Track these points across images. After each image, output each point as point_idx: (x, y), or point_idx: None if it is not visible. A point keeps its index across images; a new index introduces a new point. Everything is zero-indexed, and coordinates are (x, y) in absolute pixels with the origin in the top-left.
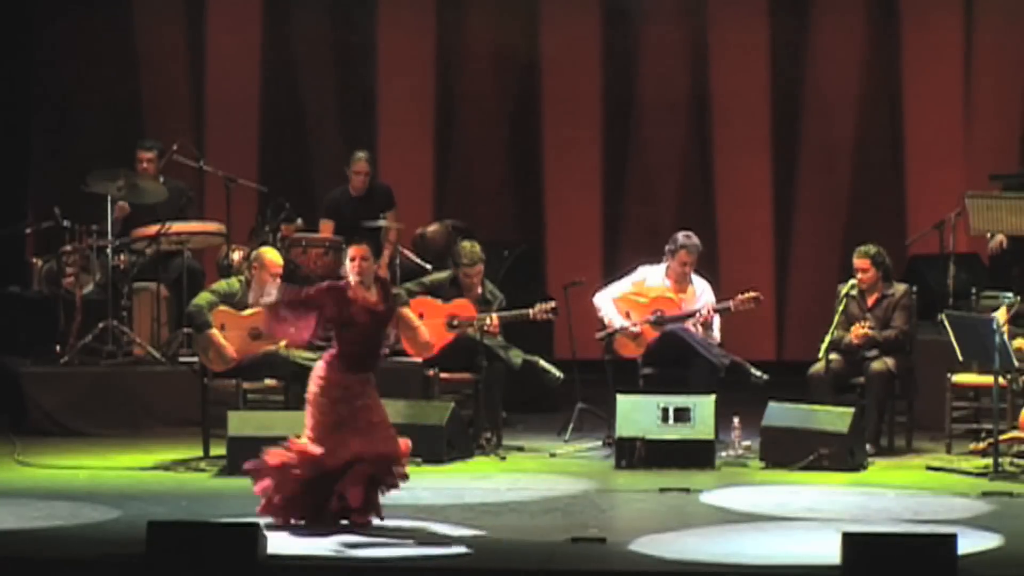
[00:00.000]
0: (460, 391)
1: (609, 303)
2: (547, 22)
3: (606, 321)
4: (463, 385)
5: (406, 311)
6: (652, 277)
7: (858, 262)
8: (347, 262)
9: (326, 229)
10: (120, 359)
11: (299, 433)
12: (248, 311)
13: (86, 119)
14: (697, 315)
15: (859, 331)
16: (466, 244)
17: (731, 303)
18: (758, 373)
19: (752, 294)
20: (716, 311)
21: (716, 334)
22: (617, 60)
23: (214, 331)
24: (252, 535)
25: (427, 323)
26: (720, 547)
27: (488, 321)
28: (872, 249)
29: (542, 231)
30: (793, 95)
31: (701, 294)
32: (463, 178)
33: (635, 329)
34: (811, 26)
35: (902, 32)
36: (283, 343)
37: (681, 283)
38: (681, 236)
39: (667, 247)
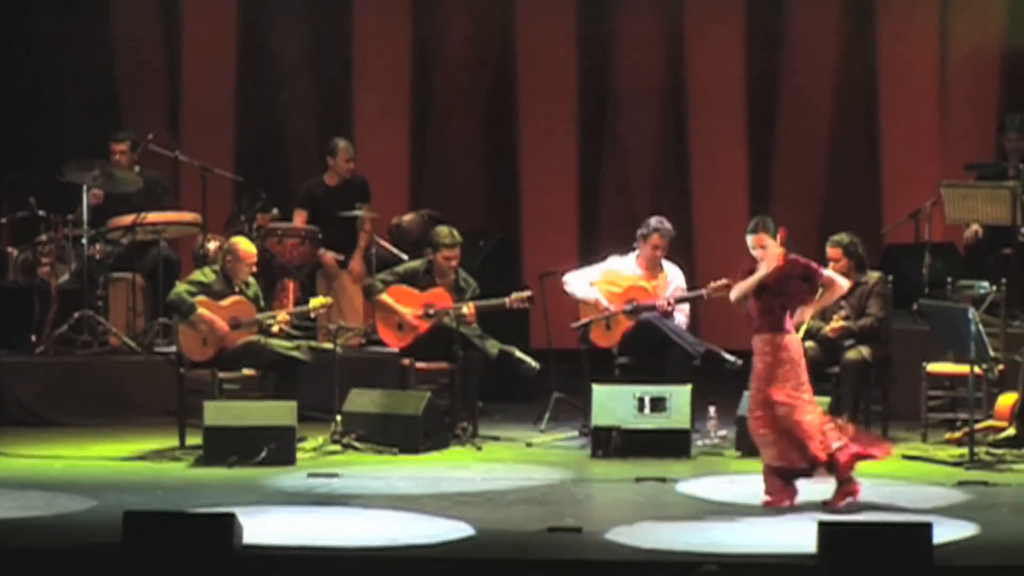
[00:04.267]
0: (436, 381)
1: (583, 284)
2: (523, 12)
3: (579, 297)
4: (439, 375)
5: (384, 298)
6: (622, 267)
7: (830, 251)
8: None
9: (300, 218)
10: (96, 349)
11: (282, 423)
12: (226, 300)
13: (62, 109)
14: (663, 305)
15: (835, 324)
16: (443, 227)
17: (703, 291)
18: (732, 358)
19: (724, 281)
20: (688, 299)
21: (682, 321)
22: (593, 50)
23: (201, 310)
24: (228, 525)
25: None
26: (696, 537)
27: (464, 310)
28: (845, 238)
29: (518, 221)
30: (769, 85)
31: (672, 280)
32: (439, 168)
33: (610, 307)
34: (787, 16)
35: (878, 22)
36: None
37: (652, 270)
38: (654, 221)
39: (639, 232)
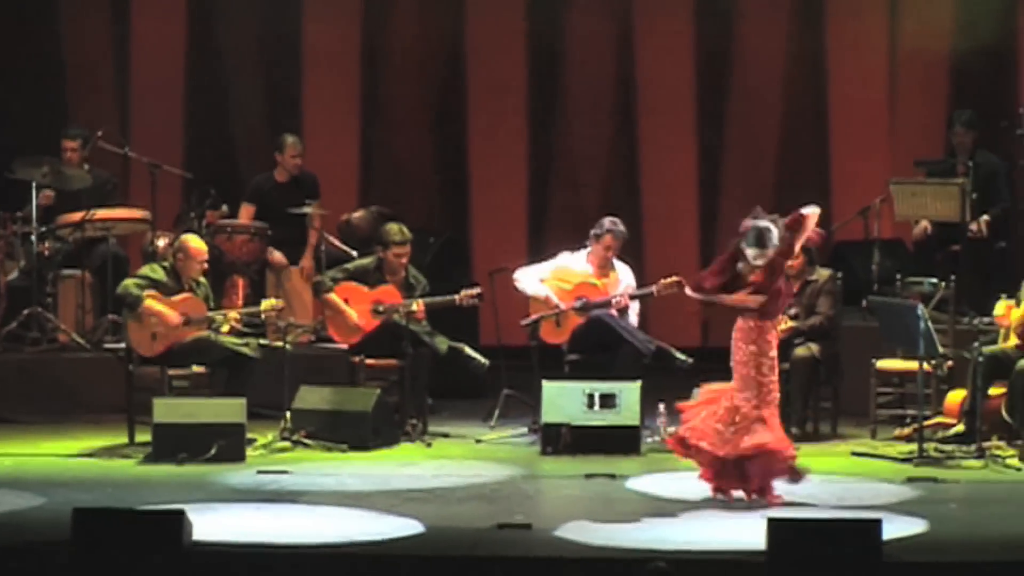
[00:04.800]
0: (386, 377)
1: (534, 280)
2: (472, 10)
3: (529, 293)
4: (388, 371)
5: (332, 296)
6: (573, 264)
7: None
8: None
9: (246, 213)
10: (45, 346)
11: (232, 420)
12: (177, 297)
13: (9, 107)
14: (614, 301)
15: (783, 326)
16: (393, 225)
17: (653, 288)
18: (683, 357)
19: (674, 279)
20: (638, 296)
21: (634, 320)
22: (542, 48)
23: (149, 302)
24: (178, 522)
25: (352, 309)
26: (646, 533)
27: (414, 307)
28: None
29: (467, 218)
30: (718, 83)
31: (623, 279)
32: (388, 165)
33: (560, 304)
34: (736, 15)
35: (827, 19)
36: (226, 329)
37: (603, 268)
38: (607, 221)
39: (593, 231)
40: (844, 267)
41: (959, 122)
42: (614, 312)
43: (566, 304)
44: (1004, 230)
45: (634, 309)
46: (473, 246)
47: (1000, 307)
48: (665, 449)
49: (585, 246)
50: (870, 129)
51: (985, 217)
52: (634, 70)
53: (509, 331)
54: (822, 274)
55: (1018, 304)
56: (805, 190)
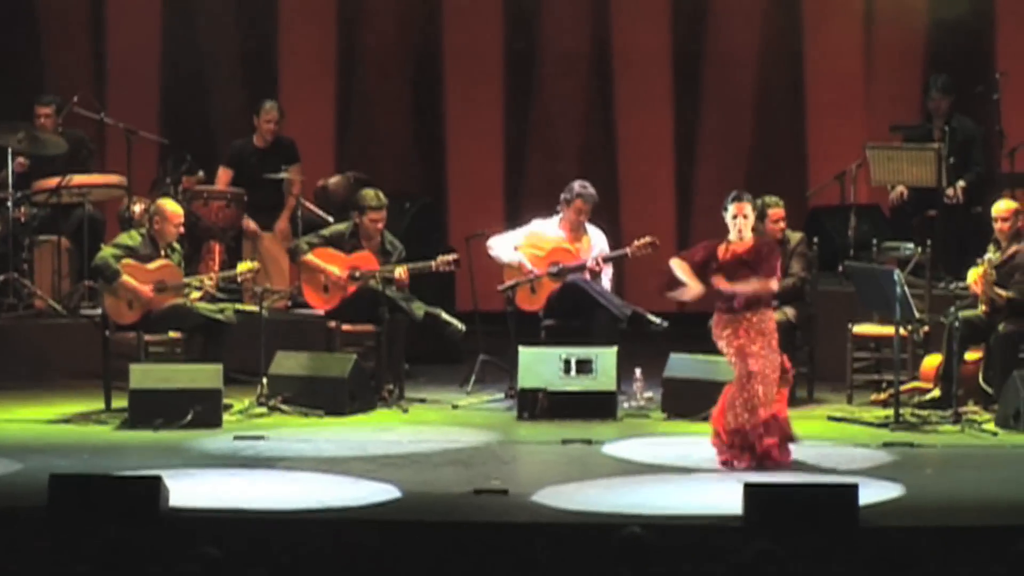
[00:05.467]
0: (362, 343)
1: (507, 248)
2: None
3: (503, 261)
4: (365, 337)
5: (309, 257)
6: (546, 230)
7: (777, 212)
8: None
9: (224, 176)
10: (21, 312)
11: (208, 386)
12: (153, 264)
13: None
14: (588, 264)
15: None
16: (369, 190)
17: (627, 249)
18: (657, 320)
19: (648, 239)
20: (612, 258)
21: (607, 284)
22: (518, 13)
23: (125, 277)
24: (154, 487)
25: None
26: (622, 498)
27: (397, 273)
28: (780, 200)
29: (444, 183)
30: (694, 48)
31: (596, 243)
32: (365, 130)
33: (534, 270)
34: None
35: None
36: (195, 296)
37: (576, 232)
38: (577, 185)
39: (563, 196)
40: (820, 232)
41: (935, 87)
42: (588, 276)
43: (540, 270)
44: (979, 195)
45: (607, 273)
46: (449, 212)
47: (972, 274)
48: (641, 414)
49: (557, 212)
50: (846, 94)
51: (961, 183)
52: (610, 37)
53: (485, 297)
54: (793, 236)
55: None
56: (781, 155)
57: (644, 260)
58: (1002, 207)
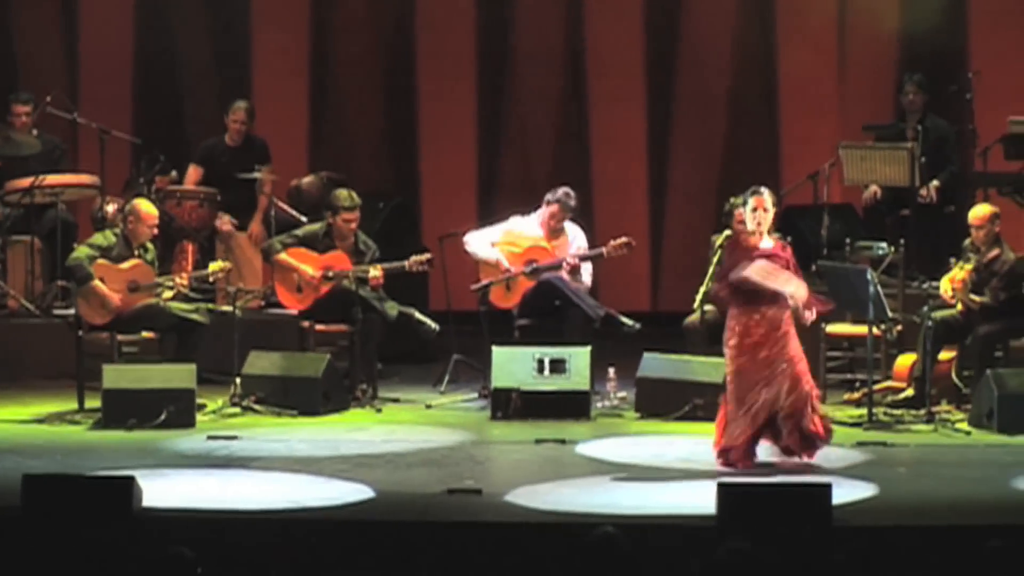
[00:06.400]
0: (335, 343)
1: (484, 244)
2: None
3: (479, 257)
4: (338, 337)
5: (283, 256)
6: (524, 227)
7: (743, 212)
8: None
9: (193, 174)
10: None
11: (181, 386)
12: (126, 264)
13: None
14: (564, 263)
15: None
16: (343, 191)
17: (603, 249)
18: (630, 323)
19: (624, 239)
20: (589, 257)
21: (587, 280)
22: (491, 11)
23: (96, 282)
24: (127, 488)
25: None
26: (596, 498)
27: (373, 273)
28: None
29: (417, 183)
30: (667, 46)
31: (574, 240)
32: (338, 130)
33: (510, 268)
34: None
35: None
36: (168, 295)
37: (554, 231)
38: (561, 191)
39: (547, 196)
40: (794, 231)
41: (910, 83)
42: (564, 275)
43: (516, 268)
44: (953, 195)
45: (587, 269)
46: (423, 211)
47: (945, 283)
48: (614, 413)
49: (536, 209)
50: (819, 94)
51: (935, 183)
52: (583, 36)
53: (459, 296)
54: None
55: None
56: (755, 155)
57: (617, 262)
58: (978, 213)
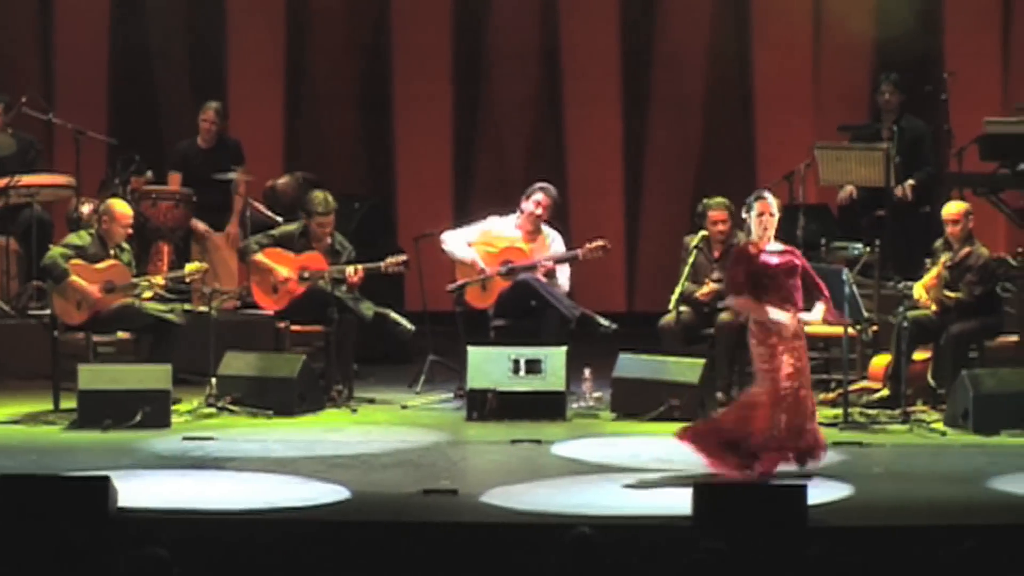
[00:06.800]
0: (311, 343)
1: (461, 244)
2: None
3: (456, 257)
4: (314, 337)
5: (259, 256)
6: (502, 227)
7: (716, 214)
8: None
9: (174, 181)
10: None
11: (157, 387)
12: (102, 264)
13: None
14: (539, 265)
15: (705, 289)
16: (319, 193)
17: (579, 251)
18: (606, 323)
19: (600, 242)
20: (564, 259)
21: (565, 283)
22: (467, 11)
23: (74, 277)
24: (103, 488)
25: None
26: (571, 498)
27: (350, 271)
28: (726, 200)
29: (393, 184)
30: (643, 47)
31: (551, 243)
32: (313, 131)
33: (486, 269)
34: None
35: None
36: (148, 295)
37: (532, 233)
38: (542, 184)
39: (529, 193)
40: None
41: (886, 83)
42: (540, 276)
43: (492, 269)
44: (928, 195)
45: (564, 272)
46: (398, 212)
47: (918, 288)
48: (590, 414)
49: (516, 211)
50: (795, 93)
51: (910, 181)
52: (559, 36)
53: (435, 297)
54: (741, 237)
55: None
56: (730, 156)
57: (594, 263)
58: (952, 209)
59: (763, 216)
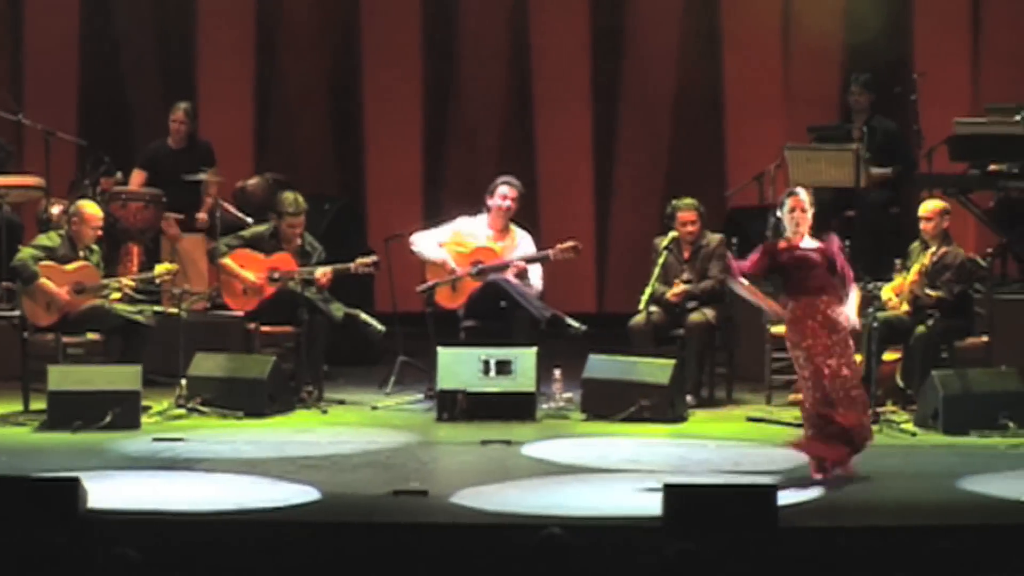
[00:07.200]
0: (281, 344)
1: (432, 244)
2: None
3: (426, 258)
4: (284, 338)
5: (226, 260)
6: (472, 227)
7: (685, 215)
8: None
9: (137, 178)
10: None
11: (127, 388)
12: (72, 265)
13: None
14: (512, 265)
15: (675, 290)
16: (289, 194)
17: (550, 252)
18: (576, 324)
19: (571, 243)
20: (535, 260)
21: (537, 284)
22: (437, 10)
23: (43, 280)
24: (73, 489)
25: (248, 272)
26: (542, 499)
27: (319, 275)
28: (696, 202)
29: (363, 184)
30: (613, 47)
31: (521, 243)
32: (283, 131)
33: (456, 268)
34: None
35: None
36: (116, 296)
37: (502, 232)
38: (505, 177)
39: (488, 191)
40: (739, 233)
41: (856, 83)
42: (510, 277)
43: (462, 269)
44: (898, 196)
45: (536, 273)
46: (368, 213)
47: (888, 292)
48: (560, 415)
49: (483, 211)
50: (765, 95)
51: (888, 169)
52: (528, 34)
53: (405, 298)
54: (712, 238)
55: (906, 271)
56: (700, 156)
57: (565, 264)
58: (929, 207)
59: (794, 212)
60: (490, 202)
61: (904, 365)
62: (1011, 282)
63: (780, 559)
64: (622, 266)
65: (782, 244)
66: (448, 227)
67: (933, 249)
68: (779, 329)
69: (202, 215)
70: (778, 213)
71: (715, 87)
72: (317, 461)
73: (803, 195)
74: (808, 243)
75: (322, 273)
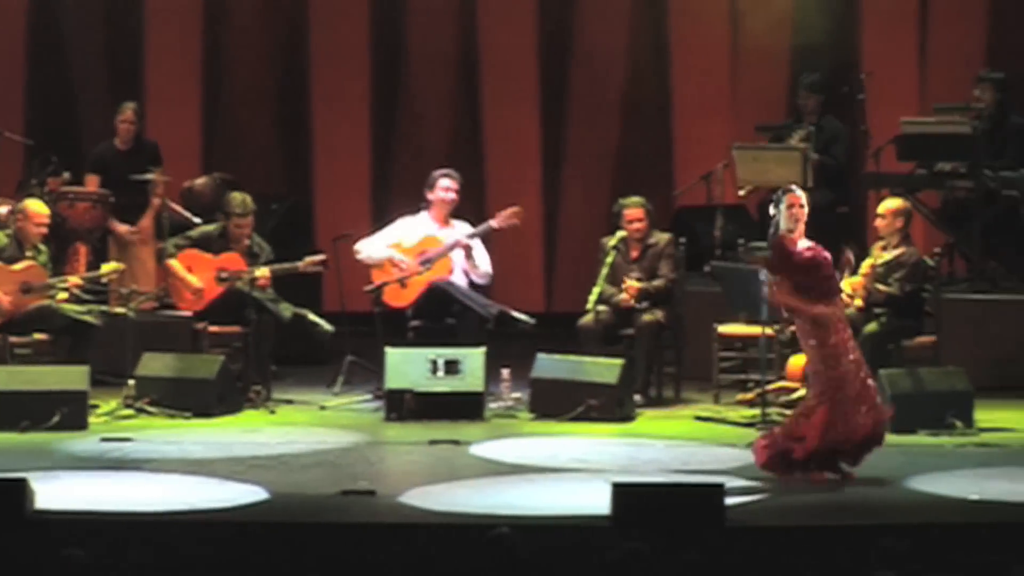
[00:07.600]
0: (229, 344)
1: (379, 246)
2: None
3: (374, 260)
4: (232, 338)
5: (172, 263)
6: (415, 225)
7: (632, 213)
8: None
9: (91, 183)
10: None
11: (74, 388)
12: (18, 265)
13: None
14: (456, 244)
15: (629, 287)
16: (237, 195)
17: (492, 222)
18: (523, 317)
19: (514, 208)
20: (479, 233)
21: (486, 266)
22: (385, 11)
23: None
24: (20, 490)
25: (195, 276)
26: (490, 499)
27: (259, 274)
28: (643, 200)
29: (311, 184)
30: (561, 47)
31: (460, 228)
32: (231, 131)
33: (404, 259)
34: None
35: None
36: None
37: (446, 223)
38: (439, 171)
39: (428, 182)
40: (687, 232)
41: (803, 86)
42: (454, 279)
43: (410, 263)
44: (845, 195)
45: (482, 252)
46: (316, 213)
47: (847, 285)
48: (508, 414)
49: (422, 207)
50: (712, 93)
51: (815, 156)
52: (476, 35)
53: (353, 297)
54: (661, 237)
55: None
56: (648, 155)
57: (511, 262)
58: (888, 205)
59: (793, 208)
60: (431, 196)
61: None
62: (958, 281)
63: (728, 558)
64: (570, 265)
65: (792, 241)
66: (390, 230)
67: (883, 244)
68: (728, 329)
69: (146, 222)
70: (771, 211)
71: (663, 87)
72: (265, 461)
73: (800, 192)
74: (803, 243)
75: (261, 274)
